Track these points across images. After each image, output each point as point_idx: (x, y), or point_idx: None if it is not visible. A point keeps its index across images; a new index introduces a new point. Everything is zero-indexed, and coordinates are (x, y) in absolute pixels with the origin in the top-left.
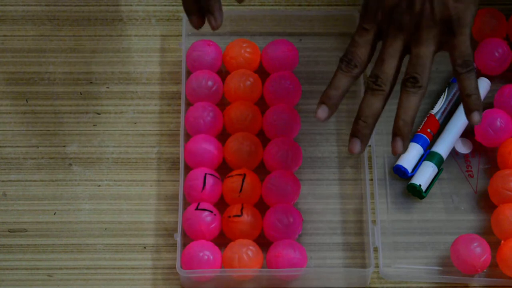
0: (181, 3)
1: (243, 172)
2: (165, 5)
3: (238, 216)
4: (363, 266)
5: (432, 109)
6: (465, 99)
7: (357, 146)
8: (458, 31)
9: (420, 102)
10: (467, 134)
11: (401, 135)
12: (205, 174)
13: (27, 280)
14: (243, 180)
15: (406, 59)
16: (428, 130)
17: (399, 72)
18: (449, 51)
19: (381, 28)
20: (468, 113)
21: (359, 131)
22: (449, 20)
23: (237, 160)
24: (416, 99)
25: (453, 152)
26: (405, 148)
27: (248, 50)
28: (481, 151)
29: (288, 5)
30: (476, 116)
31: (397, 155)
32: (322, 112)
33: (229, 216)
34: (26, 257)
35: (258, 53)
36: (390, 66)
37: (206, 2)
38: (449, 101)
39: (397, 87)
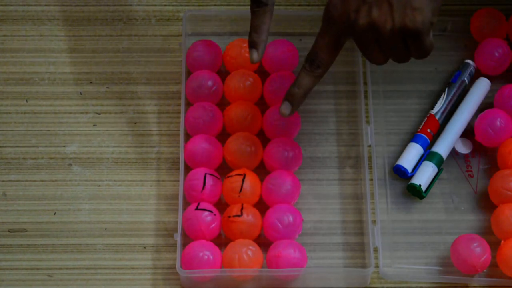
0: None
1: (243, 172)
2: (165, 5)
3: (238, 216)
4: (363, 266)
5: (432, 109)
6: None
7: (287, 109)
8: (416, 38)
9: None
10: (467, 134)
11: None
12: (205, 174)
13: (27, 280)
14: (243, 180)
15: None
16: (428, 130)
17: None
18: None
19: (341, 31)
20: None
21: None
22: (406, 27)
23: (237, 160)
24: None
25: (453, 152)
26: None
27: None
28: (481, 151)
29: (288, 5)
30: (285, 108)
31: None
32: (286, 108)
33: (229, 216)
34: (26, 257)
35: None
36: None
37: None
38: (449, 101)
39: None
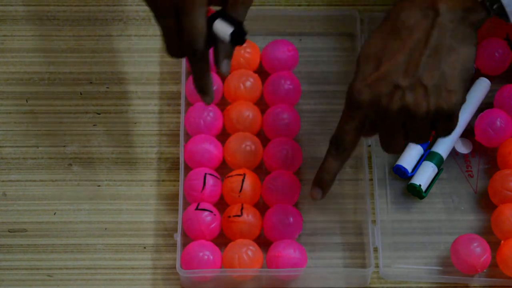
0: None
1: (243, 172)
2: None
3: (238, 216)
4: (363, 266)
5: None
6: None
7: (319, 194)
8: (448, 119)
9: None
10: (467, 134)
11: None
12: (205, 174)
13: (27, 280)
14: (243, 180)
15: None
16: None
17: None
18: (435, 135)
19: (367, 114)
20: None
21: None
22: (441, 109)
23: (237, 160)
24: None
25: (453, 152)
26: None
27: (248, 50)
28: (481, 151)
29: (288, 5)
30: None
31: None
32: (317, 193)
33: (229, 216)
34: (26, 257)
35: (258, 53)
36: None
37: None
38: None
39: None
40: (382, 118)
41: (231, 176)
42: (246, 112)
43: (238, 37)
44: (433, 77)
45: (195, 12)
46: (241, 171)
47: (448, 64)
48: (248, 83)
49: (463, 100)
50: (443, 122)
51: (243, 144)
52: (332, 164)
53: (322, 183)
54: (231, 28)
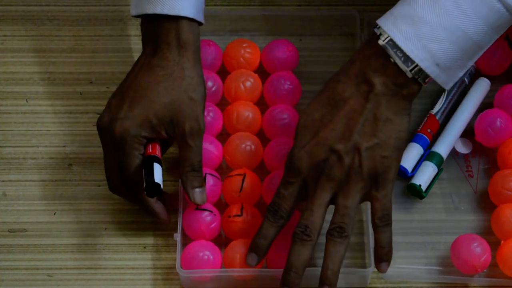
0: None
1: (243, 172)
2: None
3: (238, 216)
4: (363, 266)
5: (432, 109)
6: (378, 250)
7: None
8: (382, 184)
9: (346, 250)
10: (467, 134)
11: (330, 284)
12: (205, 174)
13: (27, 280)
14: (243, 180)
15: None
16: (428, 130)
17: (323, 219)
18: (372, 202)
19: (305, 180)
20: (377, 262)
21: (291, 281)
22: (376, 174)
23: (237, 160)
24: (342, 248)
25: (453, 152)
26: None
27: (248, 50)
28: (481, 151)
29: (288, 5)
30: (384, 266)
31: None
32: (252, 260)
33: (229, 216)
34: (26, 257)
35: (258, 53)
36: (318, 215)
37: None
38: (449, 101)
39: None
40: (319, 181)
41: (231, 176)
42: (246, 112)
43: (152, 191)
44: (368, 142)
45: (130, 153)
46: (241, 171)
47: (383, 132)
48: (248, 83)
49: (396, 169)
50: (377, 187)
51: (243, 144)
52: (269, 230)
53: (258, 249)
54: (145, 182)
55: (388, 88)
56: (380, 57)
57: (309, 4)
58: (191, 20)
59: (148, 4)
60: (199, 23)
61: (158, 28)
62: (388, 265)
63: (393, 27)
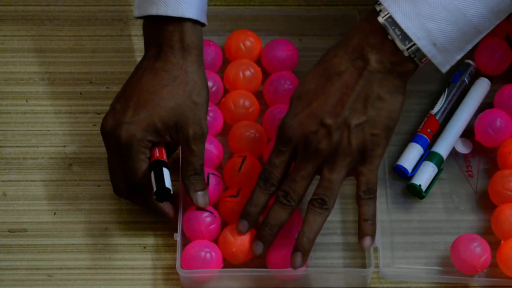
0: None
1: (245, 155)
2: None
3: (234, 196)
4: (363, 266)
5: (432, 109)
6: (361, 223)
7: (259, 248)
8: (369, 160)
9: (324, 222)
10: (467, 134)
11: (303, 251)
12: (208, 174)
13: (27, 280)
14: (243, 161)
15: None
16: (428, 130)
17: (307, 189)
18: (356, 177)
19: (296, 149)
20: (361, 237)
21: (264, 236)
22: (364, 150)
23: (241, 148)
24: (321, 219)
25: (453, 152)
26: (304, 261)
27: (250, 39)
28: (481, 151)
29: (288, 5)
30: (367, 241)
31: (295, 269)
32: (243, 226)
33: (225, 197)
34: (26, 257)
35: (259, 43)
36: (300, 186)
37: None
38: (449, 101)
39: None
40: (307, 152)
41: (232, 157)
42: (242, 99)
43: (162, 196)
44: (358, 119)
45: (137, 157)
46: (242, 154)
47: (375, 110)
48: (247, 72)
49: (385, 147)
50: (363, 163)
51: (247, 132)
52: (260, 198)
53: (249, 216)
54: (155, 187)
55: (383, 66)
56: (378, 34)
57: (309, 4)
58: (195, 22)
59: (152, 5)
60: (202, 25)
61: (161, 31)
62: (372, 241)
63: (393, 4)
